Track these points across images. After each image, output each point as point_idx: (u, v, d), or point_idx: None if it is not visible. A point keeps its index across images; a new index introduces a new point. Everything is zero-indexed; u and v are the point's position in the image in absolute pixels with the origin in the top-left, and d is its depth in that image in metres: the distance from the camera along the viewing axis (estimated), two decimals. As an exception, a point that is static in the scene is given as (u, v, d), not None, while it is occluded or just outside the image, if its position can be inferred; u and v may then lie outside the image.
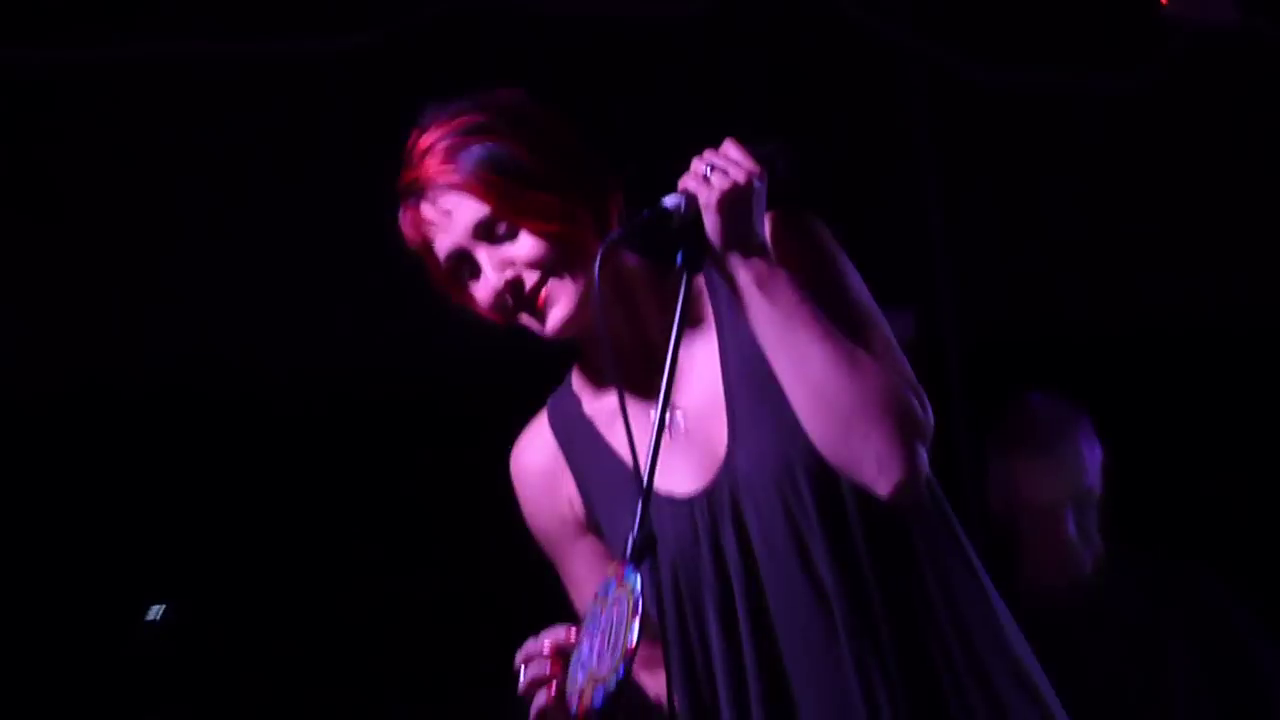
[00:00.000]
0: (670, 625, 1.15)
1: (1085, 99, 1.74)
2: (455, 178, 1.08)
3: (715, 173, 1.09)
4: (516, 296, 1.09)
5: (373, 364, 2.09)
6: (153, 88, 1.99)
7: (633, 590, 0.96)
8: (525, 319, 1.11)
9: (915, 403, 1.12)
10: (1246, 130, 1.83)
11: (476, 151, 1.09)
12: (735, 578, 1.15)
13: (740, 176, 1.08)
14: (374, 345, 2.07)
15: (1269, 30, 1.72)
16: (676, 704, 1.13)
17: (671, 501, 1.12)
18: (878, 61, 1.93)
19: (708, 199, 1.08)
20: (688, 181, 1.09)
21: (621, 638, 0.95)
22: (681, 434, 1.13)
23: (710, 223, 1.08)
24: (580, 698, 0.97)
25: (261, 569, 2.21)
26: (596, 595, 1.01)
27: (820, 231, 1.22)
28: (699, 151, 1.05)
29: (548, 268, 1.09)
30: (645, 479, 1.03)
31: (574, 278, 1.09)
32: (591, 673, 0.96)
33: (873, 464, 1.09)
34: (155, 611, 1.94)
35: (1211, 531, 1.97)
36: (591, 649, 0.97)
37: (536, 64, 1.79)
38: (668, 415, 1.09)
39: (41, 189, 1.98)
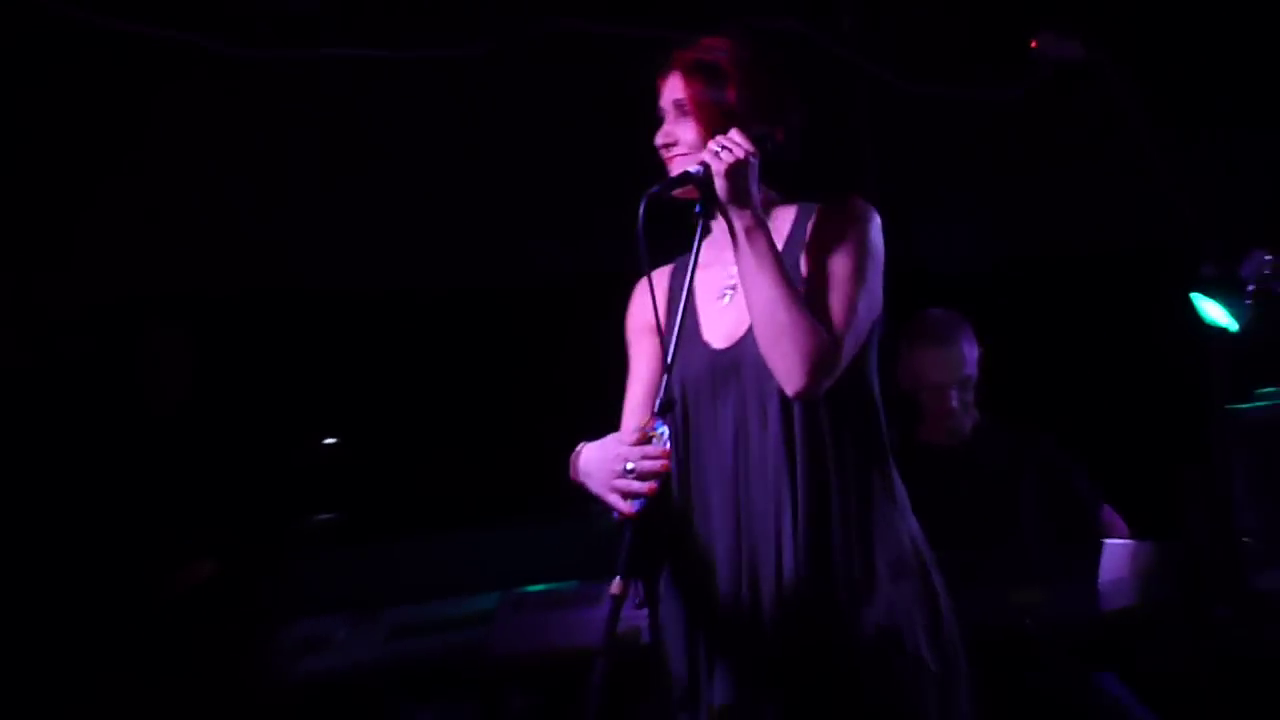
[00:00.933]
0: (678, 430, 1.61)
1: (979, 106, 2.47)
2: (685, 72, 1.62)
3: (724, 150, 1.51)
4: (665, 149, 1.63)
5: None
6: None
7: (661, 437, 1.45)
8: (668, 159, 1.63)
9: (826, 353, 1.51)
10: (1090, 129, 2.58)
11: (705, 67, 1.62)
12: (724, 417, 1.60)
13: (740, 154, 1.51)
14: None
15: (1105, 64, 2.47)
16: (674, 492, 1.62)
17: (709, 349, 1.62)
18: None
19: (718, 168, 1.50)
20: (705, 155, 1.52)
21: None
22: (735, 304, 1.62)
23: (719, 185, 1.51)
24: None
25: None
26: (644, 425, 1.47)
27: (866, 222, 1.63)
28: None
29: (682, 149, 1.62)
30: (669, 363, 1.49)
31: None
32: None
33: (781, 375, 1.51)
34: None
35: (1049, 405, 2.77)
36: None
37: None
38: (726, 287, 1.63)
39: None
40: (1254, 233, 2.50)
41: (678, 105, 1.64)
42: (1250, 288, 2.53)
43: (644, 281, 1.61)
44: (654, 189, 1.52)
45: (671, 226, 1.57)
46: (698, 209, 1.56)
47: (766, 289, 1.53)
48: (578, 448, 1.57)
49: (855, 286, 1.58)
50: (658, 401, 1.48)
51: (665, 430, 1.48)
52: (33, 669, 2.22)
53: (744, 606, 1.60)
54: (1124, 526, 2.66)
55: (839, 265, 1.60)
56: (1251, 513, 2.52)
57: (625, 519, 1.46)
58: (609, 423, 1.62)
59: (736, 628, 1.60)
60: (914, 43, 2.47)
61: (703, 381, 1.64)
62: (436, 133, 2.59)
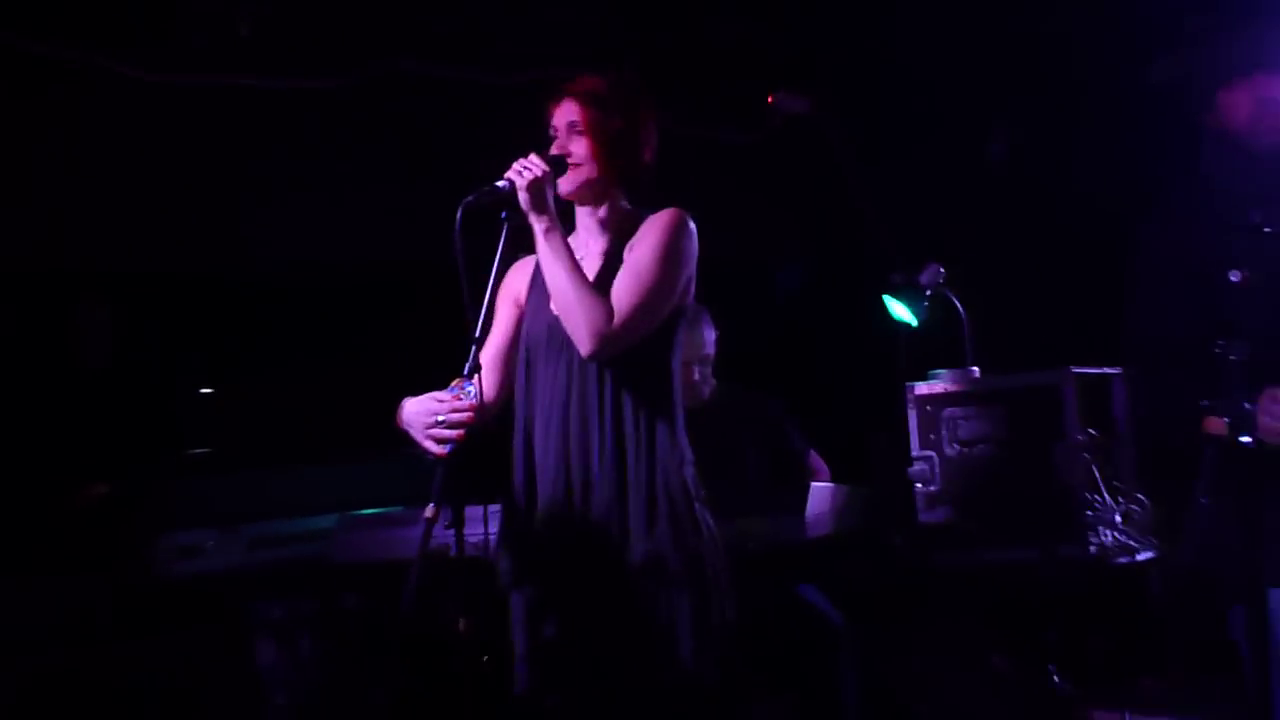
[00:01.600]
0: (524, 377, 2.02)
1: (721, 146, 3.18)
2: (579, 100, 2.01)
3: (525, 170, 1.92)
4: (557, 163, 1.97)
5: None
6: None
7: (469, 394, 1.93)
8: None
9: (608, 327, 1.88)
10: (816, 172, 3.32)
11: (596, 97, 2.02)
12: (559, 371, 1.99)
13: (538, 173, 1.91)
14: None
15: (828, 119, 3.20)
16: (519, 422, 2.01)
17: (551, 317, 2.01)
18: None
19: (519, 183, 1.90)
20: (510, 173, 1.92)
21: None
22: None
23: (521, 197, 1.90)
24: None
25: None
26: (455, 385, 1.90)
27: (671, 228, 2.00)
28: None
29: (575, 160, 2.00)
30: (478, 330, 1.93)
31: (581, 173, 1.98)
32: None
33: (574, 342, 1.92)
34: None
35: (777, 378, 3.53)
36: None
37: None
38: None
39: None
40: (932, 248, 3.27)
41: (571, 126, 2.04)
42: (928, 292, 3.30)
43: (520, 264, 2.11)
44: (469, 199, 1.91)
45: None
46: (503, 215, 1.97)
47: (557, 277, 1.92)
48: (401, 402, 1.96)
49: (647, 277, 1.94)
50: (467, 364, 1.91)
51: (473, 388, 1.89)
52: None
53: (563, 518, 2.01)
54: (827, 472, 3.42)
55: (638, 259, 1.98)
56: (922, 464, 3.29)
57: (438, 458, 1.85)
58: (432, 380, 2.01)
59: (554, 534, 2.02)
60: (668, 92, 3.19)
61: (542, 342, 2.05)
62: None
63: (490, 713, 2.25)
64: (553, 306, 1.99)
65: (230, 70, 3.04)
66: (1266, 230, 2.00)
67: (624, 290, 1.95)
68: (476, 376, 1.91)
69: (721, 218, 2.29)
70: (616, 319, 1.91)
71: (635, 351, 1.97)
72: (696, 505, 2.03)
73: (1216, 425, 1.98)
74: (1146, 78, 3.30)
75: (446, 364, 1.98)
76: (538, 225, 1.98)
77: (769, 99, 3.11)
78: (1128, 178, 3.37)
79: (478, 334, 1.93)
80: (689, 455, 2.04)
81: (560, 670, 2.06)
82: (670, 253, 1.98)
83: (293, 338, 3.45)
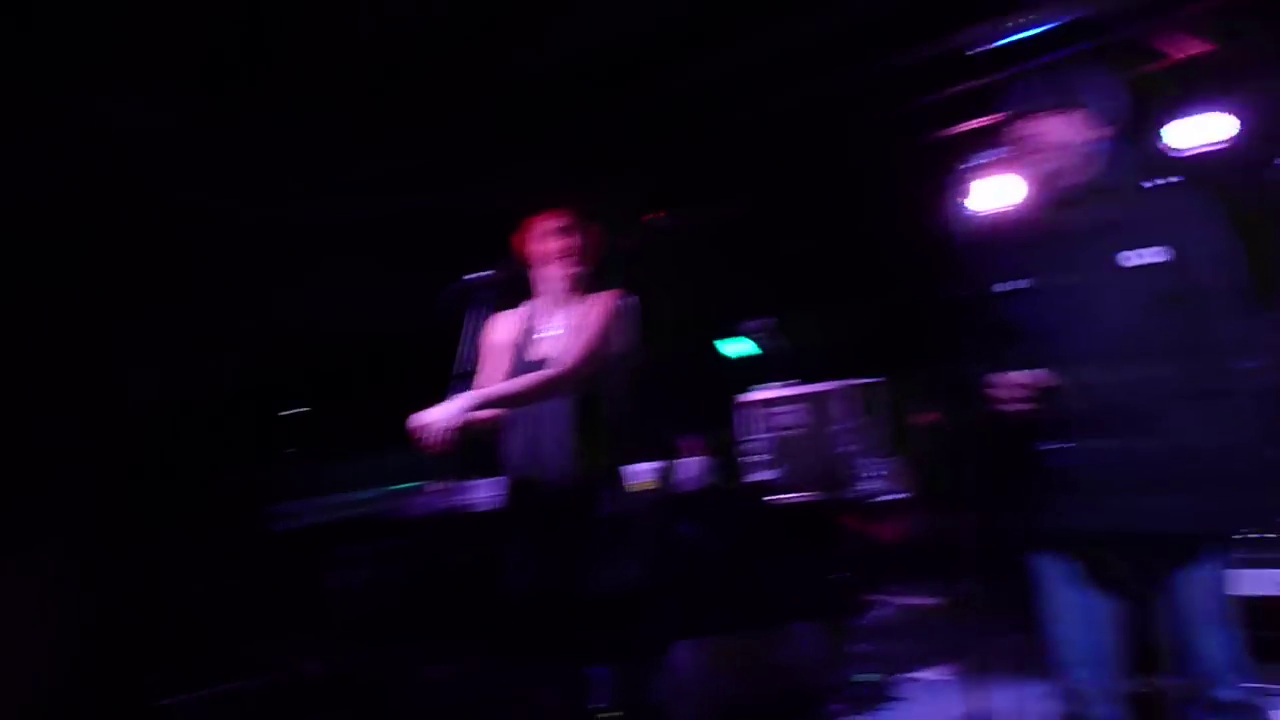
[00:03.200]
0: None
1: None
2: (559, 230, 3.06)
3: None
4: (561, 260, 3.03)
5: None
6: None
7: None
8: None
9: (570, 371, 2.87)
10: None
11: (568, 227, 3.06)
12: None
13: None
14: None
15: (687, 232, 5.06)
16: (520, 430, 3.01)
17: (533, 363, 3.04)
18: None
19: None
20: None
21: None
22: (550, 340, 3.05)
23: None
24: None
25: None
26: None
27: (607, 305, 2.94)
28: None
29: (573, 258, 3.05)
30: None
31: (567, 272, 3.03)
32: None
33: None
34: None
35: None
36: None
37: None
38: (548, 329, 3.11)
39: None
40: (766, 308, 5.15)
41: (551, 233, 3.07)
42: (760, 333, 5.18)
43: (510, 314, 3.14)
44: (458, 282, 3.02)
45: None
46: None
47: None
48: (413, 415, 2.82)
49: (592, 337, 2.94)
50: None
51: None
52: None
53: (548, 489, 3.00)
54: (695, 448, 5.26)
55: (588, 324, 2.95)
56: (756, 443, 5.17)
57: (440, 451, 2.73)
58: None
59: (543, 497, 3.02)
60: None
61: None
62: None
63: (485, 610, 3.85)
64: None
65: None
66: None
67: (578, 347, 3.02)
68: None
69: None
70: (572, 366, 2.97)
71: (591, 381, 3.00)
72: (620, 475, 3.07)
73: (933, 417, 2.69)
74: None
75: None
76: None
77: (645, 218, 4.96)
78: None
79: (457, 373, 2.99)
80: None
81: (537, 579, 3.08)
82: (605, 321, 3.02)
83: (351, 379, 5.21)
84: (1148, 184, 2.50)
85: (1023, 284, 2.29)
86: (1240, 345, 2.33)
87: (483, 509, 4.39)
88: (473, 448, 3.03)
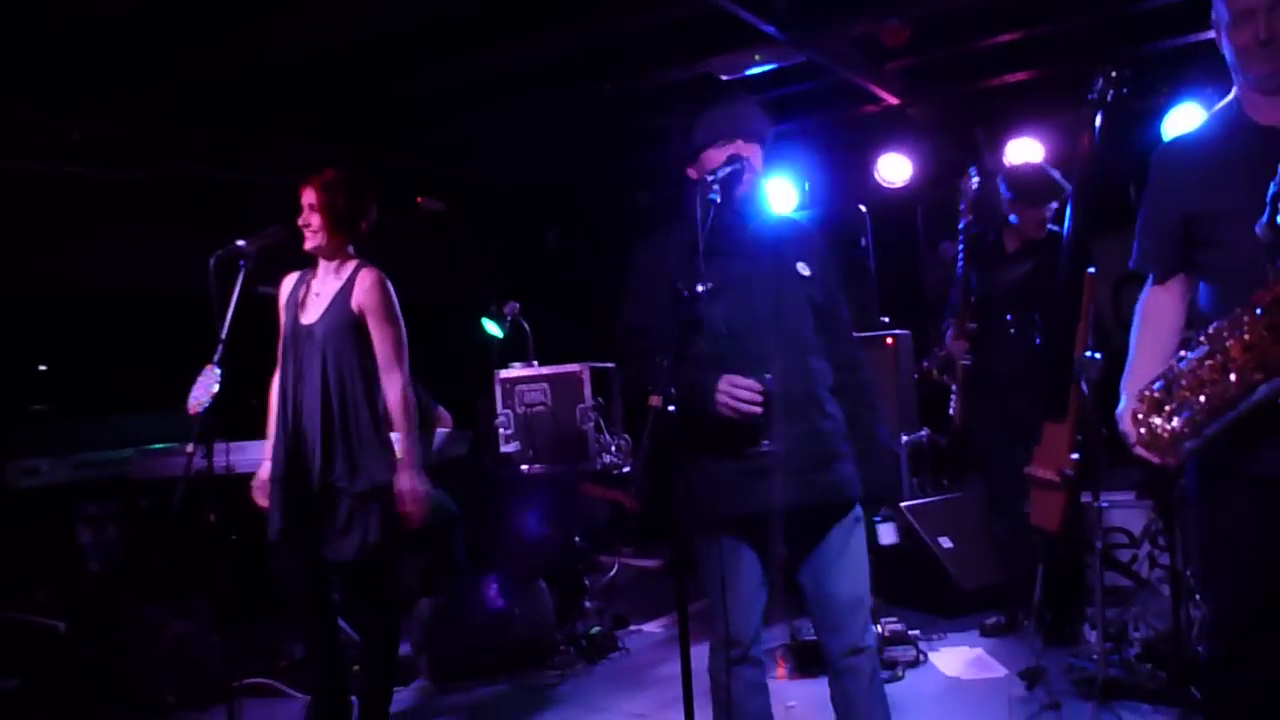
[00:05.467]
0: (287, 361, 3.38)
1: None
2: (315, 187, 3.33)
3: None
4: (304, 226, 3.30)
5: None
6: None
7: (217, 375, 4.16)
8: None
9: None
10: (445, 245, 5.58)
11: (327, 184, 3.32)
12: (310, 357, 3.33)
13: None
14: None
15: (452, 215, 5.40)
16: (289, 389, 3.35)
17: (302, 323, 3.40)
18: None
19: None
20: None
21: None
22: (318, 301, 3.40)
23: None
24: None
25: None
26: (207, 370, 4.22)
27: (369, 276, 3.35)
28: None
29: (313, 228, 3.33)
30: (224, 333, 4.29)
31: (316, 237, 3.33)
32: None
33: None
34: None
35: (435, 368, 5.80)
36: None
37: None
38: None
39: None
40: (513, 293, 5.59)
41: (310, 205, 3.31)
42: (509, 318, 5.61)
43: (292, 277, 3.54)
44: (218, 251, 3.09)
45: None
46: (242, 262, 3.19)
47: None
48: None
49: (387, 337, 3.39)
50: (215, 356, 3.51)
51: (219, 371, 3.19)
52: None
53: (308, 464, 3.30)
54: (450, 420, 5.64)
55: (359, 298, 3.36)
56: (503, 418, 5.62)
57: (197, 414, 2.94)
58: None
59: (305, 464, 3.32)
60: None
61: (300, 337, 3.35)
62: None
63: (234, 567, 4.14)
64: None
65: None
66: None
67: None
68: (216, 366, 3.00)
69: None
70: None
71: (357, 353, 3.34)
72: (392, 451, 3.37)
73: (655, 400, 2.32)
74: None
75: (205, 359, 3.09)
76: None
77: (419, 200, 5.23)
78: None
79: (224, 336, 3.03)
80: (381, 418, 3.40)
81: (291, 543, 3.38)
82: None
83: (108, 339, 5.14)
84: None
85: (710, 285, 2.44)
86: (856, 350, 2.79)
87: (241, 471, 4.58)
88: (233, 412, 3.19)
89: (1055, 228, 4.45)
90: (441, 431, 5.44)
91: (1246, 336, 2.13)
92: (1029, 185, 4.45)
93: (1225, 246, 2.26)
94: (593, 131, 6.68)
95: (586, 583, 5.19)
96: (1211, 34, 2.36)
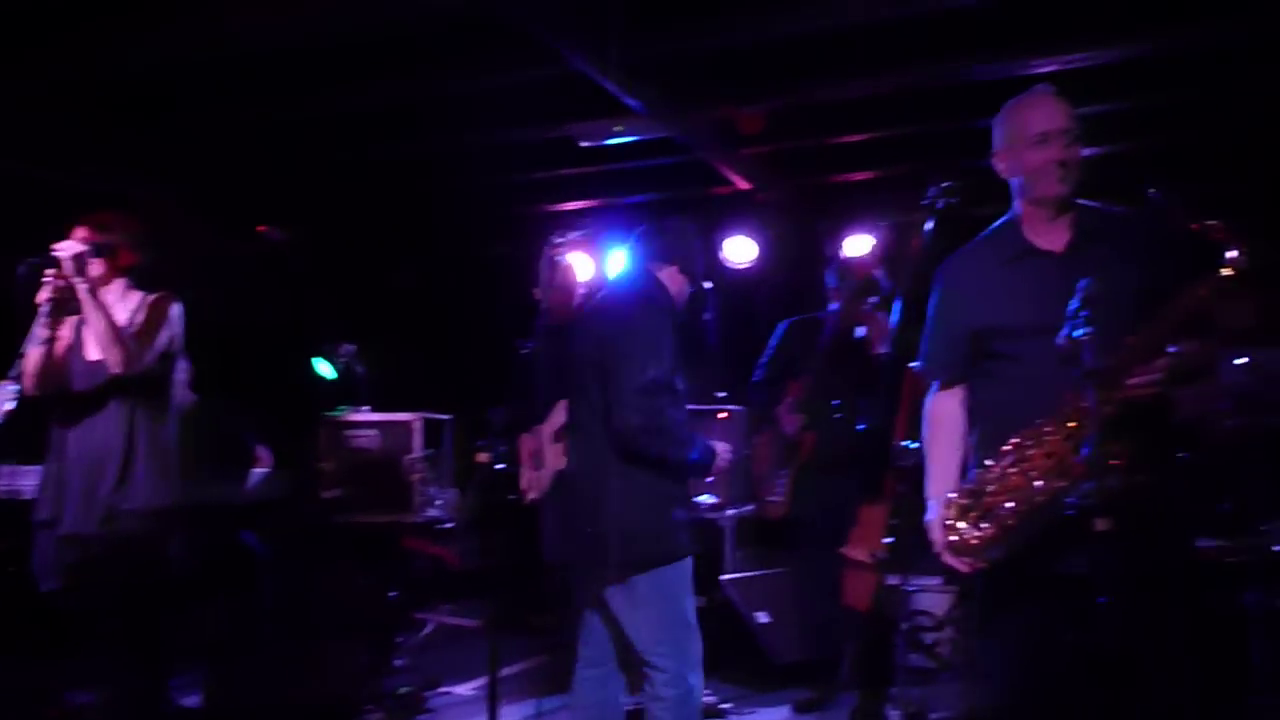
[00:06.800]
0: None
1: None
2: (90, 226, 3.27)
3: (69, 249, 3.75)
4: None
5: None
6: None
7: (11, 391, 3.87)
8: None
9: (126, 357, 3.14)
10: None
11: (103, 225, 3.28)
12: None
13: (78, 249, 3.17)
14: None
15: (292, 249, 5.26)
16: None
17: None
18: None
19: (64, 256, 3.19)
20: (58, 248, 3.18)
21: None
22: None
23: (65, 265, 3.19)
24: None
25: None
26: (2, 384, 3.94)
27: (158, 305, 3.29)
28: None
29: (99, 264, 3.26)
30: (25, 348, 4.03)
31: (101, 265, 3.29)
32: None
33: (108, 362, 3.21)
34: None
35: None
36: None
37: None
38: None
39: None
40: (349, 334, 5.44)
41: (93, 245, 3.25)
42: (342, 360, 5.46)
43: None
44: (24, 263, 3.09)
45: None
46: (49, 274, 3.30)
47: (97, 321, 3.19)
48: None
49: (146, 337, 3.29)
50: (11, 372, 3.27)
51: (15, 388, 3.09)
52: None
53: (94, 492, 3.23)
54: (269, 459, 5.39)
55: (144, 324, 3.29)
56: (329, 462, 5.42)
57: None
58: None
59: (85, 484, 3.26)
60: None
61: (80, 371, 3.31)
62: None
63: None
64: (92, 337, 3.16)
65: None
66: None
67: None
68: (13, 381, 3.05)
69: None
70: (133, 352, 3.17)
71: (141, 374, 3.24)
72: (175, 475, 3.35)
73: (484, 457, 3.27)
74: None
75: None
76: (80, 286, 3.06)
77: (260, 229, 5.08)
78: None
79: (22, 351, 3.11)
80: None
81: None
82: (159, 324, 3.29)
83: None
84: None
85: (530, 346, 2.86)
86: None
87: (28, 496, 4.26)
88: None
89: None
90: (259, 471, 5.21)
91: (1049, 446, 2.26)
92: (851, 279, 4.68)
93: (1023, 359, 2.40)
94: (448, 180, 6.65)
95: (399, 639, 5.02)
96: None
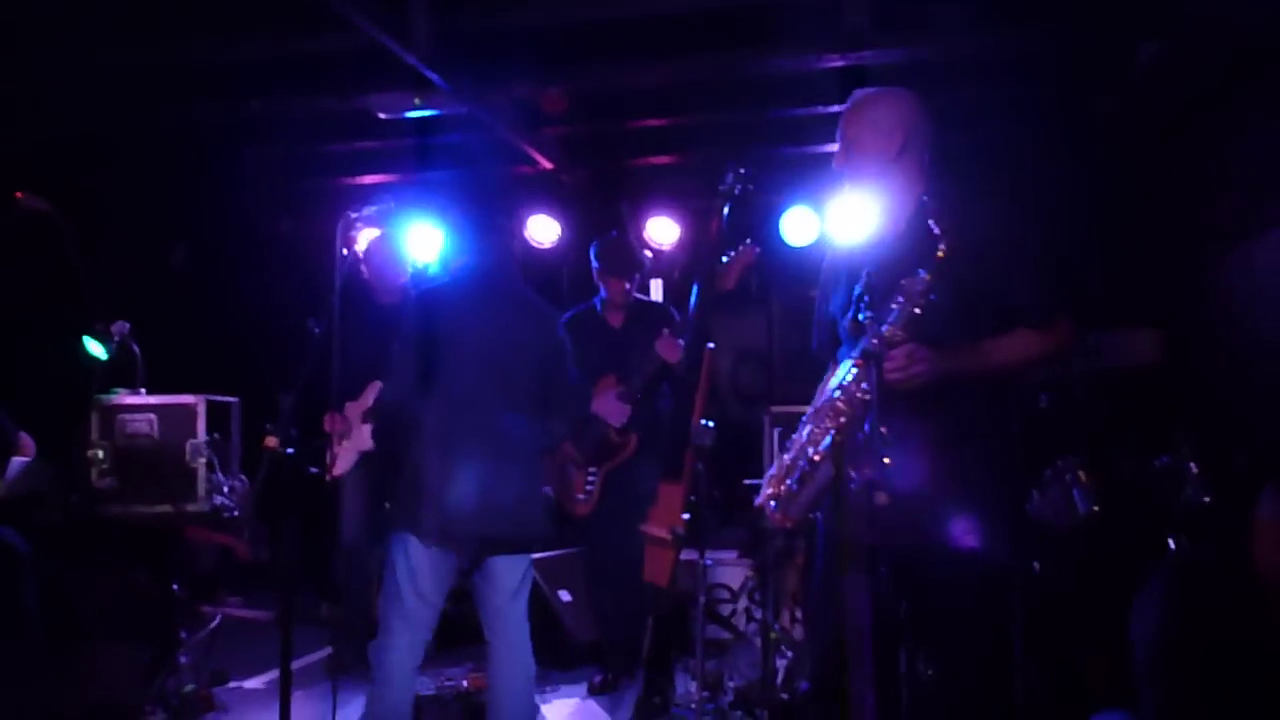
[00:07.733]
0: None
1: None
2: None
3: None
4: None
5: None
6: None
7: None
8: None
9: None
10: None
11: None
12: None
13: None
14: None
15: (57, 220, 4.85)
16: None
17: None
18: None
19: None
20: None
21: None
22: None
23: None
24: None
25: None
26: None
27: None
28: None
29: None
30: None
31: None
32: None
33: None
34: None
35: None
36: None
37: None
38: None
39: None
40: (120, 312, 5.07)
41: None
42: (115, 339, 5.08)
43: None
44: None
45: None
46: None
47: None
48: None
49: None
50: None
51: None
52: None
53: None
54: (31, 447, 4.96)
55: None
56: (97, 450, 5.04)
57: None
58: None
59: None
60: None
61: None
62: None
63: None
64: None
65: None
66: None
67: None
68: None
69: None
70: None
71: None
72: None
73: (273, 441, 2.87)
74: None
75: None
76: None
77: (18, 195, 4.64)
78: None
79: None
80: None
81: None
82: None
83: None
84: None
85: None
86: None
87: None
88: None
89: (643, 297, 4.92)
90: (19, 460, 4.81)
91: (831, 420, 2.49)
92: (613, 257, 4.78)
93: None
94: (235, 150, 6.30)
95: (183, 636, 4.75)
96: (825, 147, 2.70)
